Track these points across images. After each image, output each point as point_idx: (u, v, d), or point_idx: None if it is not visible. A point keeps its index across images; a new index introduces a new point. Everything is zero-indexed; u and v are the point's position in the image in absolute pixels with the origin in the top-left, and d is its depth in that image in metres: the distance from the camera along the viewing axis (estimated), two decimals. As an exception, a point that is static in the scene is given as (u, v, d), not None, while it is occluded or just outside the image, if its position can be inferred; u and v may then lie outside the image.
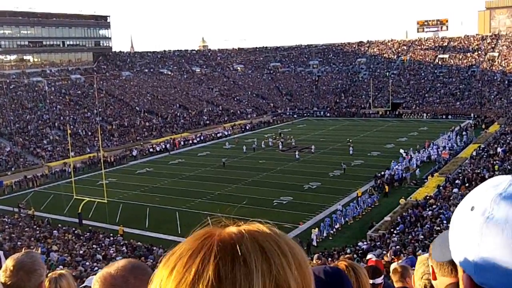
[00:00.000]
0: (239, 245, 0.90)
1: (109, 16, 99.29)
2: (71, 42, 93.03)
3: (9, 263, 2.41)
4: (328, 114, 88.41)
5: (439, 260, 1.21)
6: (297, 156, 53.07)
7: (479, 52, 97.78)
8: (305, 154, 54.72)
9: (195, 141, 67.17)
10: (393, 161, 45.84)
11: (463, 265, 1.05)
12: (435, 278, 2.10)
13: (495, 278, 0.97)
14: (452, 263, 2.04)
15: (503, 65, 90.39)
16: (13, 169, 52.35)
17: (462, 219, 1.06)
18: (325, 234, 31.13)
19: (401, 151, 49.76)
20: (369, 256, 8.14)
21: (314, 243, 29.30)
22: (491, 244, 0.97)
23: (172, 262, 0.92)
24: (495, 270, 0.96)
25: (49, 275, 2.80)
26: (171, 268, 0.91)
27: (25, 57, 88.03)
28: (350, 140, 58.32)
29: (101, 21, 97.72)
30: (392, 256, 8.08)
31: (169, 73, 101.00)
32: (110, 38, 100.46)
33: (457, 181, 36.69)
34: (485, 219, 1.00)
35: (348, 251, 25.11)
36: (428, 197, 34.00)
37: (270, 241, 0.93)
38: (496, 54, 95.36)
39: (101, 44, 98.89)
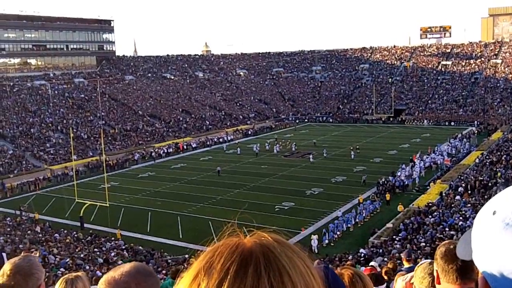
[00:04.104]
0: (281, 257, 0.94)
1: (112, 20, 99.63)
2: (75, 46, 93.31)
3: (6, 267, 2.45)
4: (331, 120, 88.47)
5: (461, 257, 1.23)
6: (311, 159, 53.09)
7: (482, 59, 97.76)
8: (314, 158, 54.93)
9: (194, 145, 66.87)
10: (399, 168, 45.63)
11: (480, 267, 1.05)
12: (439, 283, 2.08)
13: (509, 285, 0.96)
14: (457, 271, 2.01)
15: (506, 72, 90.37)
16: (15, 171, 52.44)
17: (484, 222, 1.06)
18: (326, 241, 31.03)
19: (417, 155, 50.29)
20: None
21: (315, 250, 29.20)
22: (507, 250, 0.97)
23: (216, 274, 0.92)
24: (509, 277, 0.96)
25: (65, 276, 2.85)
26: (219, 281, 0.91)
27: (28, 61, 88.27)
28: (358, 147, 57.98)
29: (105, 25, 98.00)
30: (408, 258, 8.12)
31: (172, 77, 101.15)
32: (113, 42, 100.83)
33: (460, 188, 36.64)
34: (504, 225, 0.99)
35: (350, 257, 25.00)
36: (430, 204, 33.93)
37: (298, 252, 0.99)
38: (499, 61, 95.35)
39: (104, 48, 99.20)
